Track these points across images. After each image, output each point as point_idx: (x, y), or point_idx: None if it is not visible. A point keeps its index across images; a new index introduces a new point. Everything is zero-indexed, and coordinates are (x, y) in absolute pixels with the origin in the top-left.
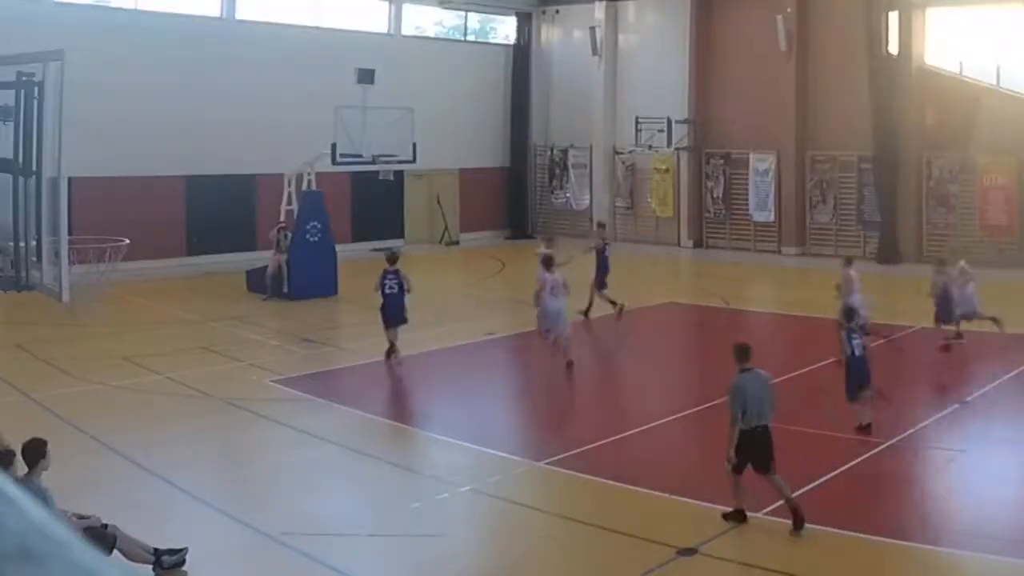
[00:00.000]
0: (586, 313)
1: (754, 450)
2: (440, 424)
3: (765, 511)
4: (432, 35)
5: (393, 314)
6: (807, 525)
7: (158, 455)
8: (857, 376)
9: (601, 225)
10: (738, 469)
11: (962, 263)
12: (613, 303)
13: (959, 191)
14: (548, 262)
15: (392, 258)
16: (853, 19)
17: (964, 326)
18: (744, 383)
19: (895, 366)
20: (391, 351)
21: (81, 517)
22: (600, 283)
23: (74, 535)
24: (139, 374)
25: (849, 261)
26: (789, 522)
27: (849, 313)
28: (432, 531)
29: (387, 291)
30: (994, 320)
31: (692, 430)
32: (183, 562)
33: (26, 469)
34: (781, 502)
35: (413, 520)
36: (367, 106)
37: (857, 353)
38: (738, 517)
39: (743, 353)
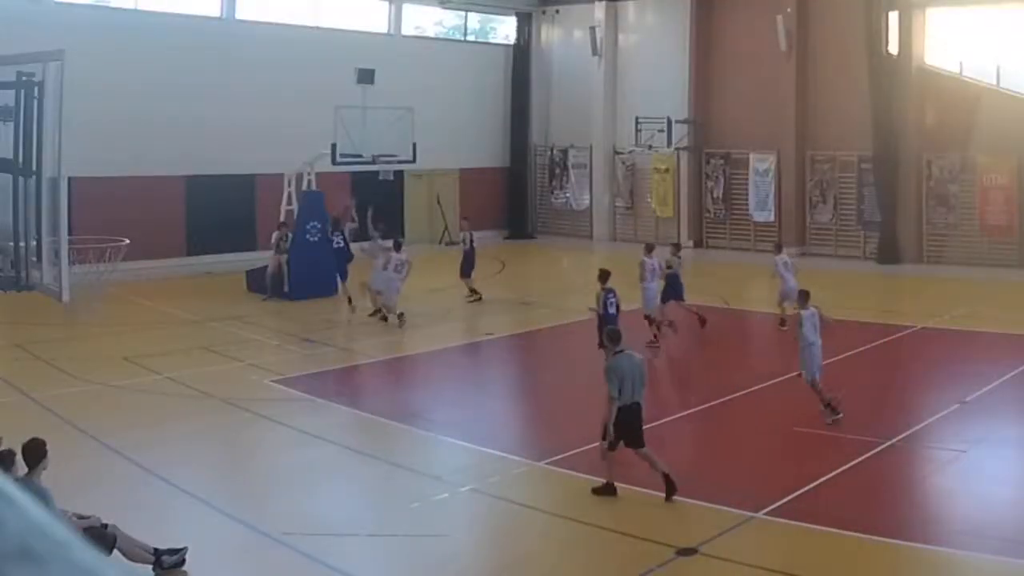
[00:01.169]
0: (474, 296)
1: (631, 426)
2: (440, 424)
3: (765, 511)
4: (432, 35)
5: (340, 262)
6: (810, 525)
7: (158, 455)
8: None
9: (465, 218)
10: (614, 446)
11: (784, 255)
12: (473, 291)
13: (959, 191)
14: (397, 246)
15: (335, 223)
16: (853, 19)
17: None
18: (619, 364)
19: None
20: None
21: (81, 517)
22: (464, 272)
23: (74, 535)
24: (139, 374)
25: (650, 249)
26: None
27: (603, 274)
28: (432, 531)
29: (335, 246)
30: (783, 312)
31: (692, 430)
32: (183, 562)
33: (26, 469)
34: (781, 502)
35: (413, 520)
36: (367, 106)
37: (611, 311)
38: (609, 490)
39: (615, 337)
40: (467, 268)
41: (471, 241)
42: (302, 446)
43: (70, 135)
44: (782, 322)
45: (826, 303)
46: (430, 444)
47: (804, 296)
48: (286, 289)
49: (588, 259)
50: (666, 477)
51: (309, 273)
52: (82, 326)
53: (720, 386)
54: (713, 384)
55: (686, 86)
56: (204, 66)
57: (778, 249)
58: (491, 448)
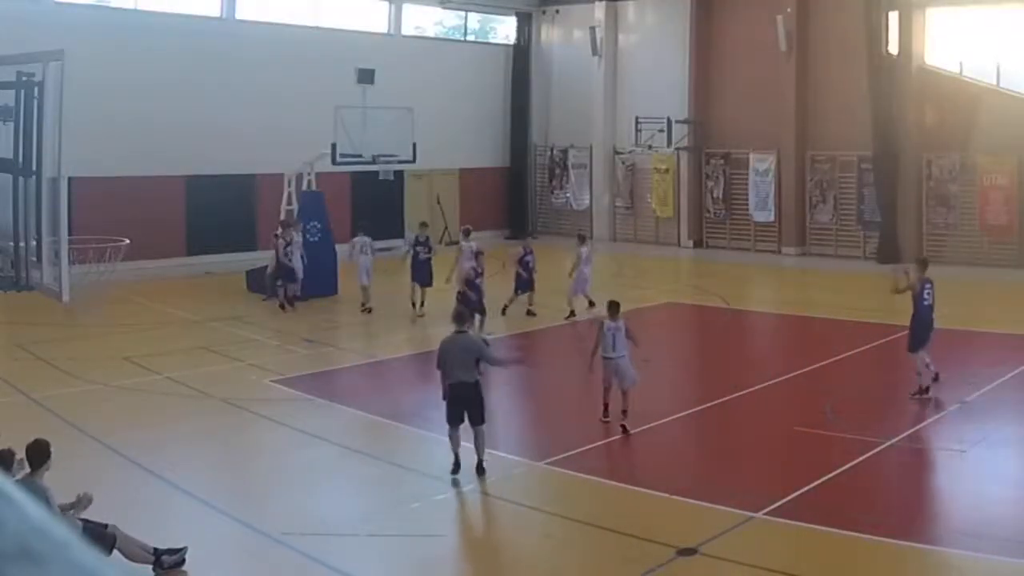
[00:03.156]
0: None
1: (464, 404)
2: (440, 424)
3: (765, 511)
4: (432, 35)
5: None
6: (810, 525)
7: (158, 455)
8: (419, 277)
9: (424, 224)
10: (450, 420)
11: (585, 248)
12: (416, 305)
13: (959, 191)
14: (363, 228)
15: (285, 223)
16: (853, 19)
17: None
18: (444, 345)
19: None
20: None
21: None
22: (426, 281)
23: (74, 535)
24: (139, 374)
25: (467, 233)
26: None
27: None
28: (432, 531)
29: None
30: (591, 304)
31: (692, 430)
32: (183, 562)
33: (28, 469)
34: (781, 502)
35: (413, 520)
36: (367, 106)
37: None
38: (454, 470)
39: (459, 318)
40: (426, 275)
41: (430, 247)
42: (302, 446)
43: (70, 135)
44: (591, 304)
45: (827, 304)
46: (430, 444)
47: (614, 307)
48: None
49: None
50: (480, 462)
51: (309, 273)
52: (82, 326)
53: (720, 386)
54: (713, 384)
55: (686, 86)
56: (204, 66)
57: (581, 241)
58: (491, 448)
